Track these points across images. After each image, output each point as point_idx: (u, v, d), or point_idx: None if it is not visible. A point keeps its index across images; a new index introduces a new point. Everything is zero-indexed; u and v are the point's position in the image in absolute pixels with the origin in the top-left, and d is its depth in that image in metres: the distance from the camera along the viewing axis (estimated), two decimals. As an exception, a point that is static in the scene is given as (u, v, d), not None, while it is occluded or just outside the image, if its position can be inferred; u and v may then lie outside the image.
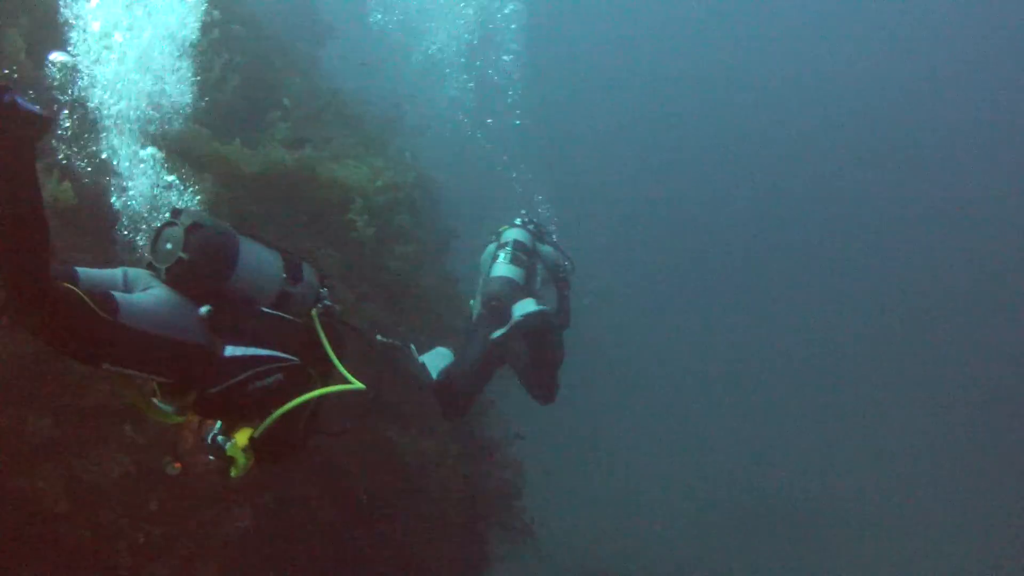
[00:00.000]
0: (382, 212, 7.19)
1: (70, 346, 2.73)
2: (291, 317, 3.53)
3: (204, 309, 3.11)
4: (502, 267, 6.50)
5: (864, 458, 17.73)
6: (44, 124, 2.51)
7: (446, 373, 6.33)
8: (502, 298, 6.38)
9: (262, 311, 3.39)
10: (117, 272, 3.21)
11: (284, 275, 3.49)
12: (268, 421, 3.30)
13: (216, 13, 6.23)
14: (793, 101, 34.64)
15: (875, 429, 19.08)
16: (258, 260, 3.40)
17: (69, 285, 2.64)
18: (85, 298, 2.61)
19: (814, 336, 24.90)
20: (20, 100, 2.42)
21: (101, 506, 5.59)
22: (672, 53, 34.13)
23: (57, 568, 5.48)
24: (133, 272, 3.23)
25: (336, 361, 3.62)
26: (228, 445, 3.26)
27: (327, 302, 3.75)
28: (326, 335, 3.66)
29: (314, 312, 3.68)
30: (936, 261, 27.57)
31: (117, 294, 2.85)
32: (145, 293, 3.05)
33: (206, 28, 6.82)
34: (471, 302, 6.91)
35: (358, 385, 3.57)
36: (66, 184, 4.77)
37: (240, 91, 7.28)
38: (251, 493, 6.30)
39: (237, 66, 7.11)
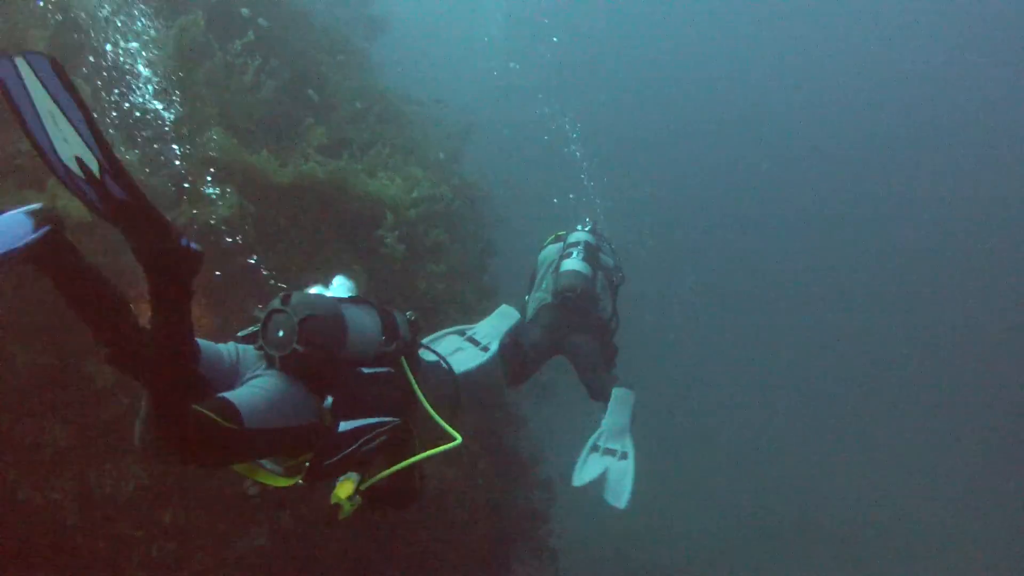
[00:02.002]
0: (415, 228, 7.01)
1: (205, 462, 2.79)
2: (387, 370, 3.70)
3: (328, 402, 3.28)
4: (575, 263, 6.73)
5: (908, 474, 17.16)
6: (201, 261, 2.63)
7: (515, 338, 6.69)
8: (576, 290, 6.60)
9: (363, 374, 3.54)
10: (231, 348, 3.28)
11: (382, 337, 3.68)
12: (375, 479, 3.56)
13: (246, 11, 6.07)
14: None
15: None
16: (361, 328, 3.54)
17: (197, 408, 2.66)
18: (215, 417, 2.68)
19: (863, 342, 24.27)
20: (194, 245, 2.57)
21: (115, 518, 5.55)
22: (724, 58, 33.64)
23: (68, 579, 5.43)
24: (243, 351, 3.30)
25: (435, 415, 3.84)
26: (333, 493, 3.45)
27: (411, 340, 3.99)
28: (415, 378, 3.88)
29: (403, 361, 3.87)
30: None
31: (236, 399, 2.87)
32: (260, 389, 3.08)
33: (240, 30, 6.74)
34: (526, 297, 7.16)
35: (457, 439, 3.70)
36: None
37: (283, 92, 7.16)
38: (269, 511, 6.20)
39: (274, 70, 6.96)
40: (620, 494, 6.13)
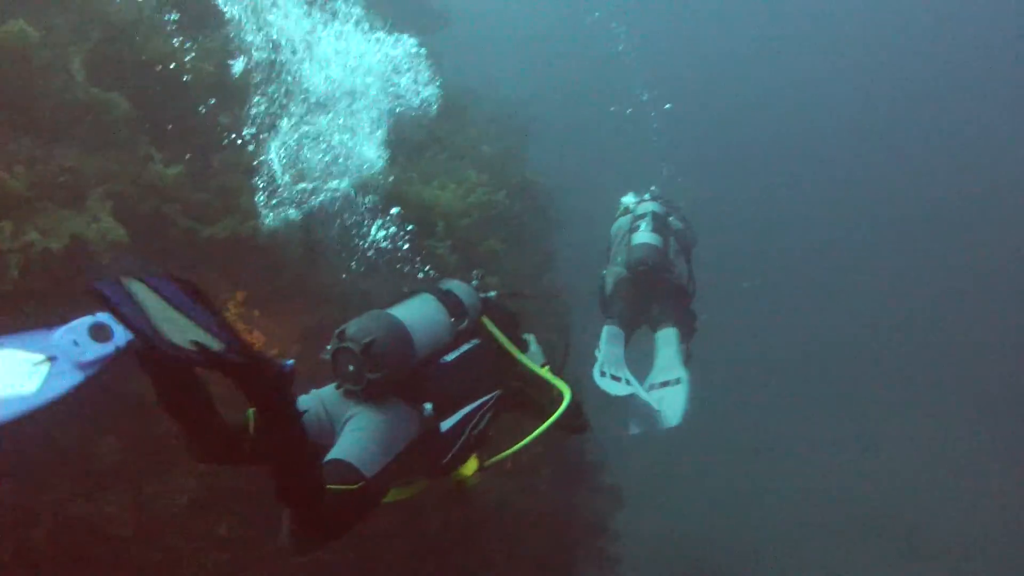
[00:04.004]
0: (468, 236, 6.84)
1: (349, 527, 2.90)
2: (472, 344, 3.71)
3: (428, 408, 3.30)
4: (645, 235, 6.84)
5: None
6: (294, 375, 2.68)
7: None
8: (647, 262, 6.73)
9: (448, 364, 3.54)
10: (313, 399, 3.32)
11: (451, 319, 3.62)
12: (499, 457, 3.66)
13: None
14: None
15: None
16: (424, 324, 3.47)
17: (328, 488, 2.76)
18: (343, 488, 2.79)
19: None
20: (287, 365, 2.62)
21: (168, 530, 5.54)
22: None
23: (122, 592, 5.45)
24: (326, 396, 3.34)
25: (535, 368, 3.95)
26: (455, 474, 3.56)
27: (488, 296, 4.03)
28: (504, 334, 3.91)
29: (484, 320, 3.88)
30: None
31: (347, 455, 2.95)
32: (361, 431, 3.13)
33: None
34: (603, 272, 7.26)
35: (565, 392, 3.80)
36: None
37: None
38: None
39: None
40: (675, 412, 6.46)
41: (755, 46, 32.29)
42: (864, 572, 13.39)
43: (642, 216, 7.04)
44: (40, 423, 4.85)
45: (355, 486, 2.83)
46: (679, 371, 6.71)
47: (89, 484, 5.27)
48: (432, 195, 6.53)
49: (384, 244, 6.21)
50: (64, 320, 2.61)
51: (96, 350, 2.55)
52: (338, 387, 3.31)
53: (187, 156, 5.53)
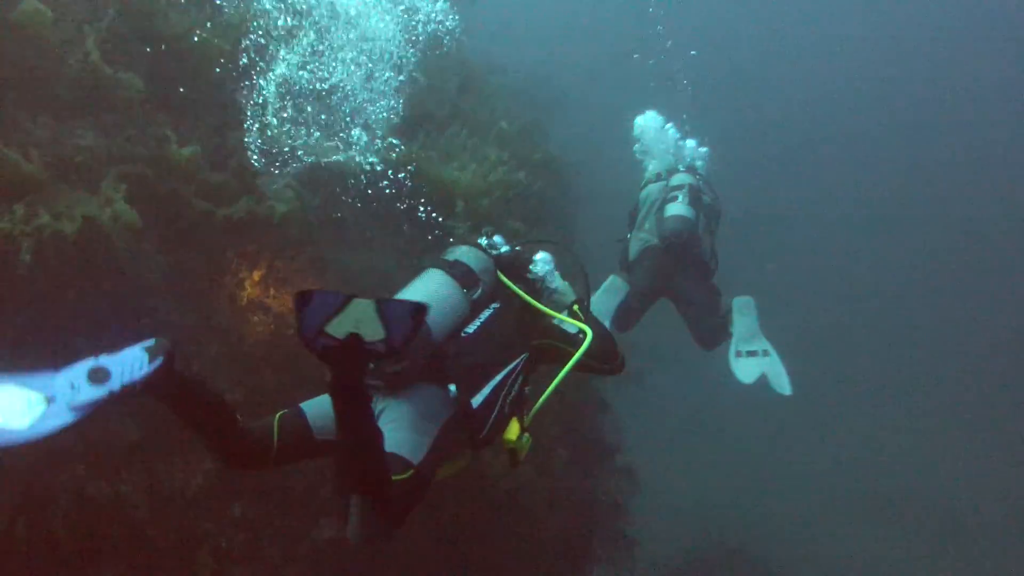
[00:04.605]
0: (488, 215, 6.73)
1: (409, 514, 2.94)
2: (492, 309, 3.67)
3: (452, 389, 3.24)
4: (682, 207, 6.83)
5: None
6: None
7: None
8: (682, 235, 6.75)
9: (470, 337, 3.47)
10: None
11: (464, 289, 3.54)
12: (535, 410, 3.69)
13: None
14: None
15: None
16: (437, 302, 3.38)
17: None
18: (398, 479, 2.82)
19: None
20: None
21: (184, 512, 5.54)
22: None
23: (137, 571, 5.46)
24: None
25: (559, 316, 3.92)
26: (504, 441, 3.50)
27: (500, 252, 4.01)
28: (523, 287, 3.89)
29: (500, 276, 3.84)
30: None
31: (389, 447, 2.89)
32: (396, 422, 3.11)
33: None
34: (627, 235, 7.34)
35: (587, 333, 3.79)
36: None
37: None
38: (337, 503, 6.11)
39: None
40: (782, 384, 6.72)
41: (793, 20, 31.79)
42: (878, 552, 13.33)
43: (679, 187, 7.00)
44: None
45: (407, 474, 2.86)
46: (764, 343, 6.91)
47: (105, 465, 5.27)
48: (452, 175, 6.42)
49: (402, 224, 6.17)
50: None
51: (90, 393, 2.61)
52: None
53: (203, 135, 5.46)
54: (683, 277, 6.96)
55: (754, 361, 6.77)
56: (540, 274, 4.16)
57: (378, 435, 2.69)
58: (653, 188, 7.35)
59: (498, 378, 3.43)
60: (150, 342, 2.82)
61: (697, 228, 6.88)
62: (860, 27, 32.47)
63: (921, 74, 31.89)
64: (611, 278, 7.15)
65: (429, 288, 3.45)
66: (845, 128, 31.69)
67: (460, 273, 3.58)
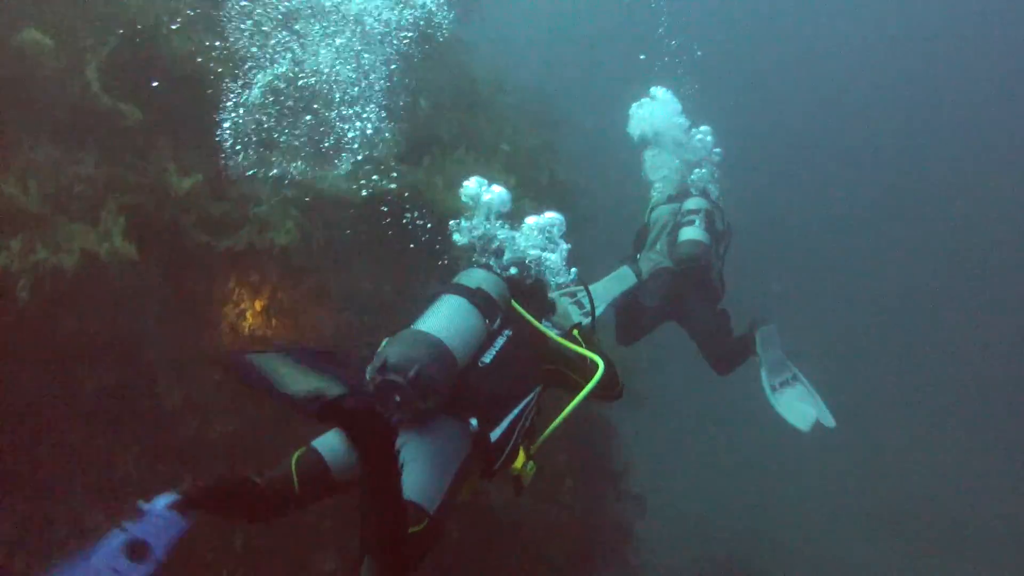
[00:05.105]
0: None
1: (421, 561, 2.87)
2: (505, 337, 3.60)
3: (474, 423, 3.19)
4: (698, 232, 6.81)
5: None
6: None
7: (633, 297, 6.95)
8: (699, 260, 6.72)
9: (486, 368, 3.42)
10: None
11: (485, 320, 3.51)
12: (541, 439, 3.70)
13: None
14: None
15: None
16: (461, 333, 3.36)
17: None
18: (414, 530, 2.75)
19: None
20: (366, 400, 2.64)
21: (185, 541, 5.48)
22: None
23: (137, 604, 5.40)
24: None
25: (570, 345, 3.88)
26: (510, 470, 3.48)
27: (510, 275, 3.99)
28: (531, 309, 3.87)
29: (515, 303, 3.82)
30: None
31: (407, 493, 2.86)
32: (415, 462, 3.04)
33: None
34: (637, 255, 7.23)
35: (599, 364, 3.76)
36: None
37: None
38: (338, 534, 6.06)
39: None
40: (823, 414, 6.72)
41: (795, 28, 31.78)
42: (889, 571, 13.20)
43: (695, 211, 6.97)
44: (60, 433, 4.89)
45: (422, 525, 2.79)
46: (792, 368, 6.99)
47: (104, 495, 5.21)
48: (456, 202, 6.34)
49: (404, 251, 6.08)
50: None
51: (138, 572, 2.57)
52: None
53: (204, 161, 5.40)
54: (693, 301, 6.92)
55: (793, 391, 6.83)
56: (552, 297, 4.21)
57: (402, 498, 2.72)
58: (664, 210, 7.30)
59: (516, 411, 3.41)
60: (171, 497, 2.76)
61: (711, 253, 6.88)
62: (863, 27, 32.57)
63: (920, 74, 32.01)
64: (622, 268, 7.11)
65: (453, 318, 3.40)
66: (845, 129, 31.76)
67: (482, 302, 3.54)
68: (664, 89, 7.92)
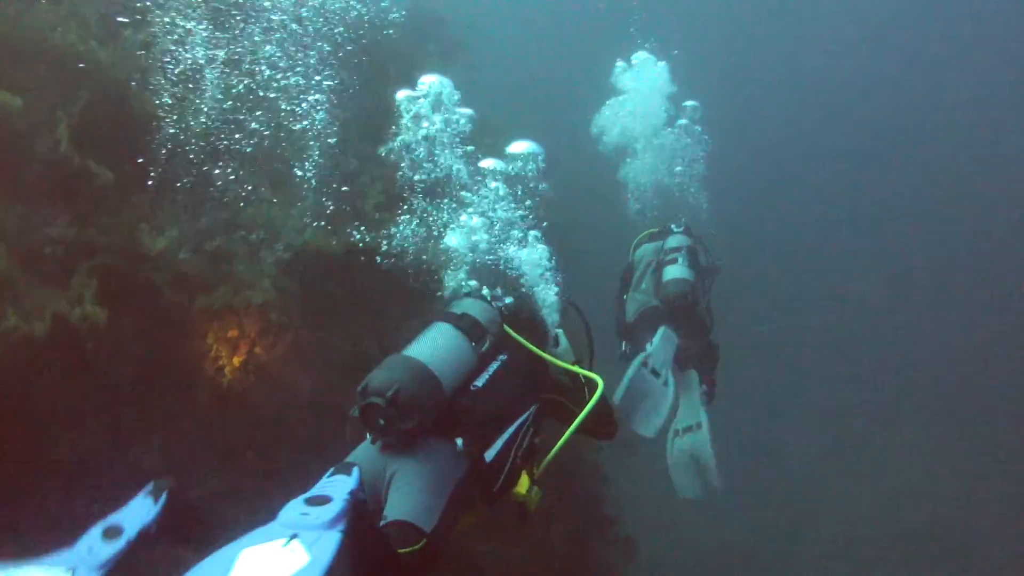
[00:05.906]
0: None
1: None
2: (499, 361, 3.62)
3: (459, 443, 3.20)
4: (682, 270, 6.84)
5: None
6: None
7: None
8: (686, 298, 6.76)
9: (479, 391, 3.43)
10: (360, 459, 3.22)
11: (472, 343, 3.52)
12: (545, 462, 3.71)
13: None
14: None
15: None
16: (446, 356, 3.39)
17: (400, 553, 2.80)
18: (409, 550, 2.81)
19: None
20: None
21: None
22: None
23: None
24: (366, 453, 3.27)
25: (565, 365, 3.93)
26: (513, 495, 3.48)
27: (504, 304, 3.99)
28: (529, 337, 3.86)
29: (506, 328, 3.80)
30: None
31: (402, 514, 2.94)
32: (408, 484, 3.08)
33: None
34: (623, 296, 7.26)
35: (598, 382, 3.81)
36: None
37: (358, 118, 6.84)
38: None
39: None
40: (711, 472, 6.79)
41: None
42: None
43: (677, 249, 7.01)
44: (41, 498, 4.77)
45: (419, 545, 2.84)
46: (701, 414, 7.03)
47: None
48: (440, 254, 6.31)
49: (385, 305, 6.01)
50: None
51: (109, 550, 2.72)
52: (373, 442, 3.23)
53: (179, 216, 5.35)
54: (682, 337, 6.91)
55: (690, 441, 6.97)
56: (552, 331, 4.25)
57: None
58: (648, 248, 7.34)
59: (510, 431, 3.42)
60: (149, 486, 2.99)
61: (697, 289, 6.92)
62: (857, 24, 32.81)
63: (918, 75, 32.09)
64: (662, 329, 6.90)
65: (438, 342, 3.43)
66: (843, 130, 31.86)
67: (467, 326, 3.57)
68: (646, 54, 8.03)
